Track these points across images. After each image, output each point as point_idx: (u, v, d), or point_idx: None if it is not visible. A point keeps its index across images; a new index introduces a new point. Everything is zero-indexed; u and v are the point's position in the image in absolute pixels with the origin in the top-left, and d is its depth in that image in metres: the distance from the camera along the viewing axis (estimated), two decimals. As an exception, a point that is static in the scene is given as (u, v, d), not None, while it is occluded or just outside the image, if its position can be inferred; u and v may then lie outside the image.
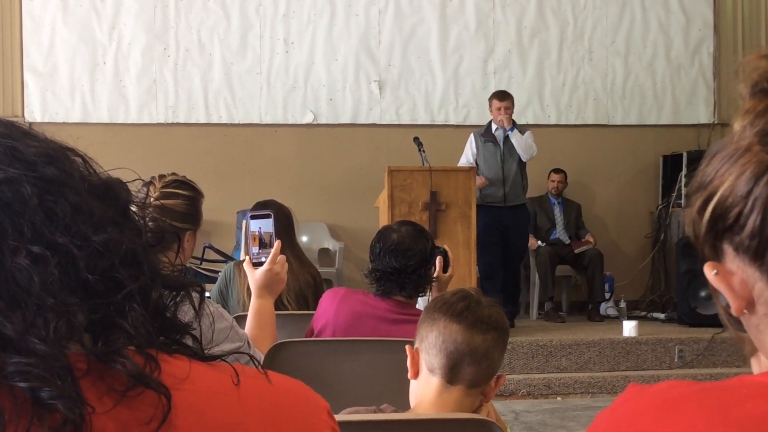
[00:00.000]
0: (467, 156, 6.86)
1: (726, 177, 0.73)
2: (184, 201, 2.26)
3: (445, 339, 1.66)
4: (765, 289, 0.72)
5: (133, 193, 0.78)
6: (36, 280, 0.65)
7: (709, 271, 0.75)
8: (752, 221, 0.71)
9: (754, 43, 8.25)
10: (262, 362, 2.00)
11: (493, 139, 6.81)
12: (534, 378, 6.06)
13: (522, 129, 6.84)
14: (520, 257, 7.11)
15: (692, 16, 8.27)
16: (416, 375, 1.71)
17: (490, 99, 6.92)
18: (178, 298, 0.76)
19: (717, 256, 0.75)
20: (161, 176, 2.31)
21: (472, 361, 1.65)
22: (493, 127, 6.82)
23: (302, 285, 3.29)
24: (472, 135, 6.93)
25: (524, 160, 6.78)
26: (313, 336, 2.71)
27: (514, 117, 6.81)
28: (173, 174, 2.34)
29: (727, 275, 0.74)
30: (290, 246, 3.37)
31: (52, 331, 0.64)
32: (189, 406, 0.70)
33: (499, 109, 6.73)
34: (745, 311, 0.73)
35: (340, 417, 1.60)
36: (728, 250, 0.74)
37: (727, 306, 0.75)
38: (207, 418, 0.70)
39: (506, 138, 6.76)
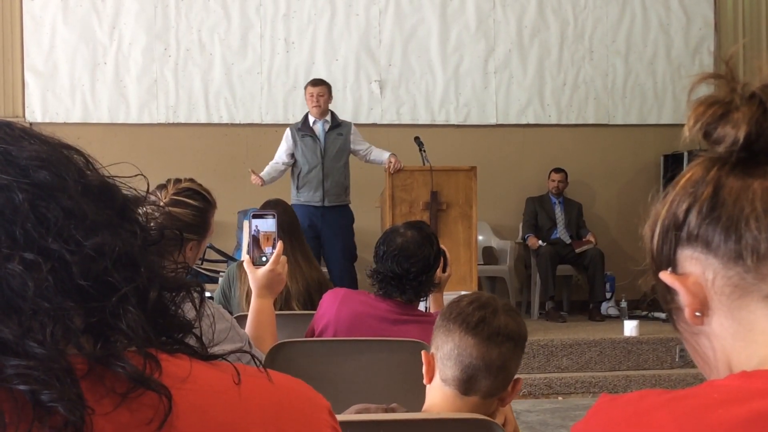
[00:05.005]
0: (279, 153, 6.39)
1: (673, 192, 0.79)
2: (193, 211, 2.19)
3: (461, 352, 1.62)
4: (720, 270, 0.74)
5: (134, 192, 0.78)
6: (30, 286, 0.65)
7: (664, 274, 0.78)
8: (700, 207, 0.75)
9: (755, 41, 8.24)
10: (263, 362, 1.99)
11: (311, 132, 6.33)
12: (535, 378, 6.06)
13: (342, 122, 6.45)
14: (347, 260, 6.31)
15: (693, 16, 8.27)
16: (431, 380, 1.69)
17: (305, 87, 6.43)
18: (178, 299, 0.76)
19: (672, 268, 0.78)
20: (177, 180, 2.23)
21: (488, 374, 1.63)
22: (311, 119, 6.36)
23: (311, 286, 3.26)
24: (288, 129, 6.44)
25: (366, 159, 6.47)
26: (314, 336, 2.71)
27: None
28: (190, 180, 2.26)
29: (682, 277, 0.77)
30: (300, 247, 3.34)
31: (49, 335, 0.64)
32: (190, 405, 0.69)
33: (312, 95, 6.26)
34: (697, 314, 0.76)
35: (343, 416, 1.60)
36: (682, 255, 0.77)
37: (681, 314, 0.78)
38: (208, 417, 0.70)
39: (328, 132, 6.32)
